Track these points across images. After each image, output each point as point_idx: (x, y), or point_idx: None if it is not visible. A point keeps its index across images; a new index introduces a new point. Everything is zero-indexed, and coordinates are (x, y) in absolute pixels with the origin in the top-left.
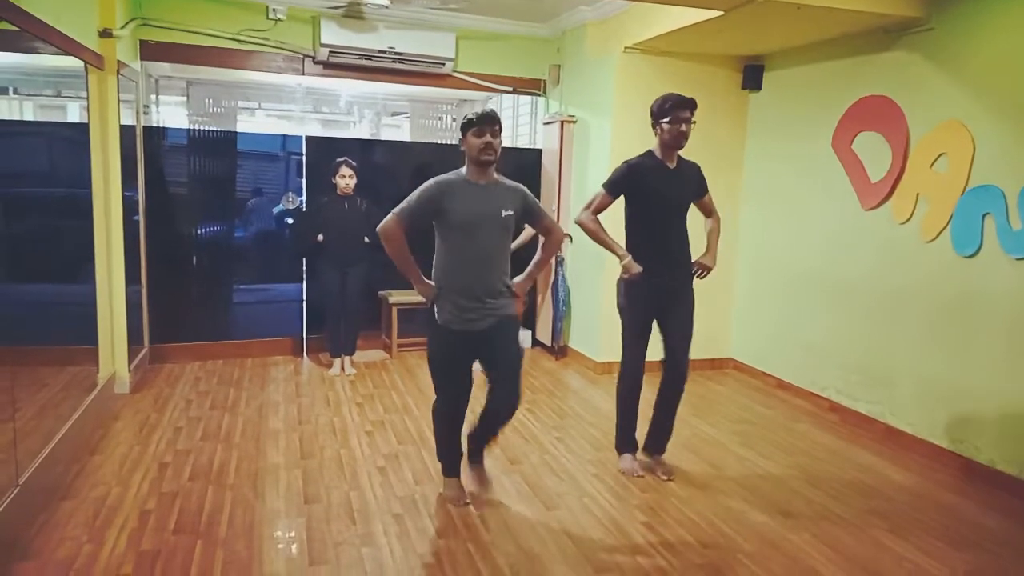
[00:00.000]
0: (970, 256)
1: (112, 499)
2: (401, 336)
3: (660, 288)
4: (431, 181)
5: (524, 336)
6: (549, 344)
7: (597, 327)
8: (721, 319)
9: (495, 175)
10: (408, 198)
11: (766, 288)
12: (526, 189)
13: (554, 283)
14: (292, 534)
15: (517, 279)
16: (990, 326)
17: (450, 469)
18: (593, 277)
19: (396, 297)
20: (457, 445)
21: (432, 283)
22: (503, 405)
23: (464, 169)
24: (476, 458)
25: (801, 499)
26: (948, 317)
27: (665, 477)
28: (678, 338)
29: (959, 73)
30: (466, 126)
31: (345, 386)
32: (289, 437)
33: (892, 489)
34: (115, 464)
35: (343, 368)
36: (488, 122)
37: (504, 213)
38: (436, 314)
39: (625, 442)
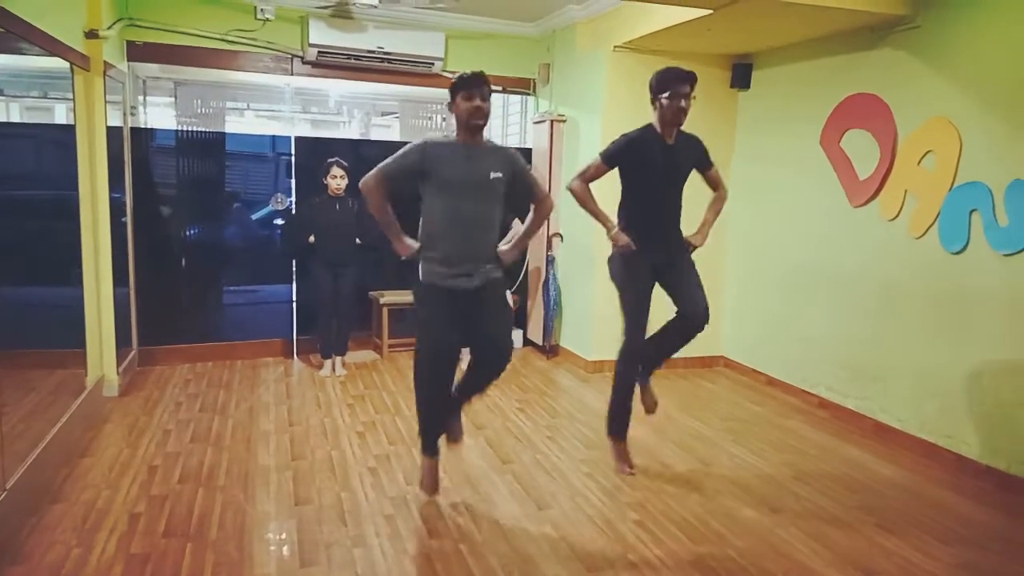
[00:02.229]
0: (958, 252)
1: (101, 502)
2: (392, 337)
3: (656, 261)
4: (418, 139)
5: (509, 296)
6: (540, 343)
7: (588, 326)
8: (712, 316)
9: (485, 138)
10: (394, 155)
11: (756, 286)
12: (518, 154)
13: (545, 282)
14: (283, 536)
15: (503, 247)
16: (979, 322)
17: (429, 447)
18: (584, 277)
19: (387, 298)
20: (439, 416)
21: (413, 242)
22: (492, 361)
23: (454, 133)
24: (455, 416)
25: (792, 496)
26: (937, 313)
27: (650, 410)
28: (690, 286)
29: (946, 70)
30: (455, 89)
31: (336, 387)
32: (280, 439)
33: (882, 485)
34: (104, 467)
35: (333, 369)
36: (477, 84)
37: (492, 175)
38: (420, 273)
39: (618, 426)
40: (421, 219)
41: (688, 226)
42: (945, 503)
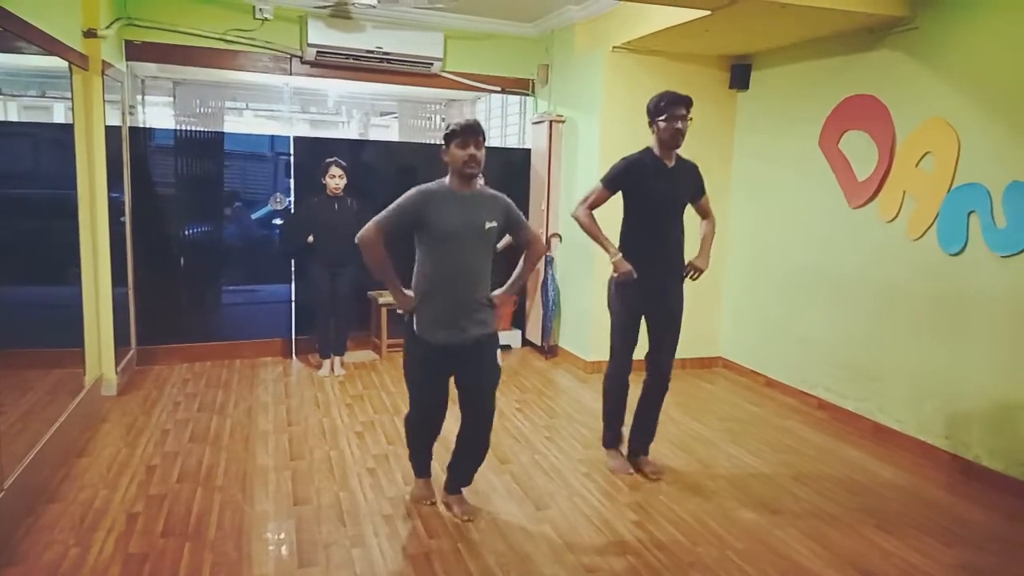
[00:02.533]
0: (956, 254)
1: (99, 502)
2: (391, 337)
3: (651, 287)
4: (413, 190)
5: (500, 355)
6: (539, 344)
7: (587, 326)
8: (711, 318)
9: (479, 185)
10: (389, 207)
11: (755, 287)
12: (508, 200)
13: (544, 283)
14: (282, 536)
15: (498, 292)
16: (977, 323)
17: (420, 470)
18: (582, 277)
19: (386, 298)
20: (428, 451)
21: (411, 293)
22: (475, 425)
23: (447, 179)
24: (454, 488)
25: (790, 497)
26: (935, 314)
27: (655, 477)
28: (664, 339)
29: (944, 72)
30: (449, 137)
31: (334, 387)
32: (278, 439)
33: (881, 486)
34: (102, 467)
35: (332, 369)
36: (471, 133)
37: (487, 225)
38: (415, 325)
39: (611, 438)
40: (416, 268)
41: (689, 252)
42: (943, 504)
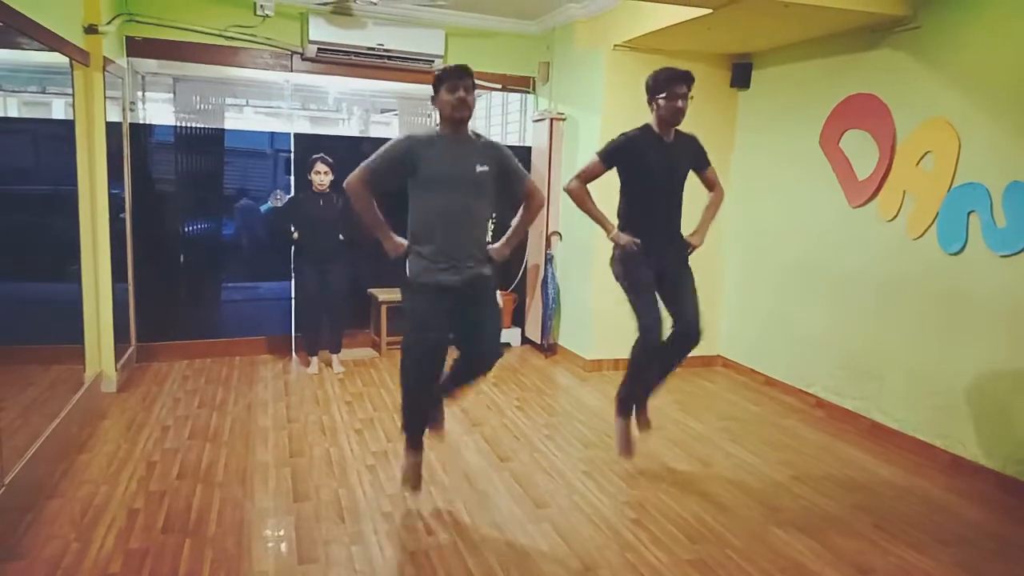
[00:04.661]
0: (956, 253)
1: (100, 498)
2: (390, 334)
3: (656, 263)
4: (402, 135)
5: (499, 295)
6: (539, 342)
7: (587, 325)
8: (710, 316)
9: (471, 131)
10: (377, 152)
11: (754, 285)
12: (505, 148)
13: (543, 281)
14: (281, 532)
15: (495, 244)
16: (976, 323)
17: (416, 441)
18: (582, 275)
19: (385, 295)
20: (426, 411)
21: (401, 240)
22: (478, 361)
23: (438, 127)
24: (437, 406)
25: (789, 495)
26: (935, 314)
27: (644, 430)
28: (682, 300)
29: (945, 71)
30: (438, 82)
31: (334, 384)
32: (278, 435)
33: (879, 484)
34: (102, 463)
35: (331, 366)
36: (461, 76)
37: (479, 168)
38: (408, 269)
39: (626, 408)
40: (409, 216)
41: (687, 227)
42: (941, 503)
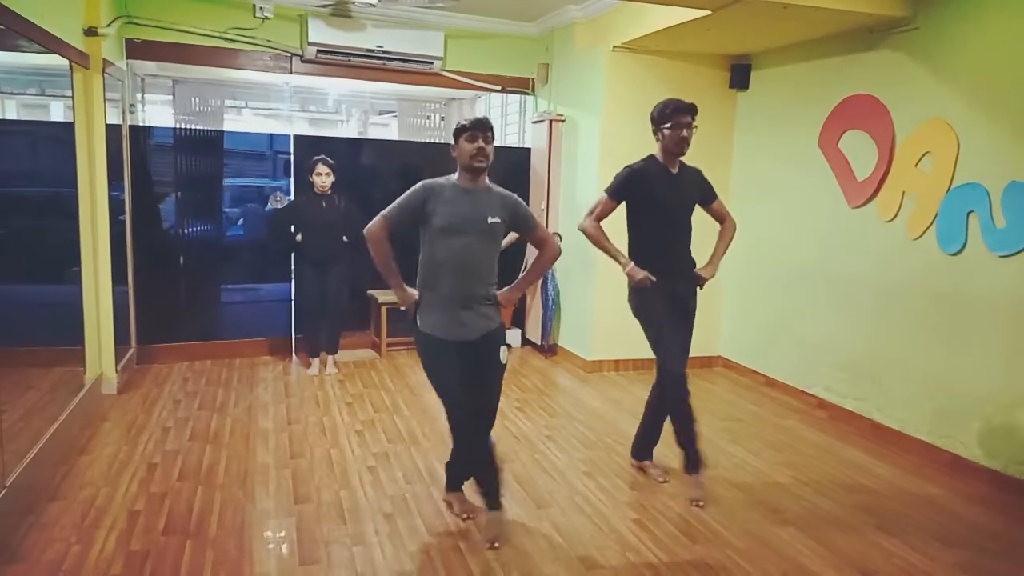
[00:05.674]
0: (955, 254)
1: (101, 500)
2: (390, 336)
3: (667, 293)
4: (418, 184)
5: (505, 352)
6: (539, 343)
7: (587, 326)
8: (711, 317)
9: (487, 182)
10: (395, 202)
11: (754, 286)
12: (519, 199)
13: (544, 282)
14: (282, 534)
15: (504, 290)
16: (976, 323)
17: (452, 482)
18: (583, 276)
19: (386, 297)
20: (467, 459)
21: (412, 290)
22: (473, 425)
23: (455, 175)
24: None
25: (790, 496)
26: (935, 314)
27: (695, 504)
28: (681, 341)
29: (944, 72)
30: (458, 132)
31: (334, 386)
32: (279, 437)
33: (880, 485)
34: (103, 465)
35: (325, 366)
36: (481, 128)
37: (490, 220)
38: (418, 321)
39: (641, 450)
40: (419, 265)
41: (699, 258)
42: (943, 504)
